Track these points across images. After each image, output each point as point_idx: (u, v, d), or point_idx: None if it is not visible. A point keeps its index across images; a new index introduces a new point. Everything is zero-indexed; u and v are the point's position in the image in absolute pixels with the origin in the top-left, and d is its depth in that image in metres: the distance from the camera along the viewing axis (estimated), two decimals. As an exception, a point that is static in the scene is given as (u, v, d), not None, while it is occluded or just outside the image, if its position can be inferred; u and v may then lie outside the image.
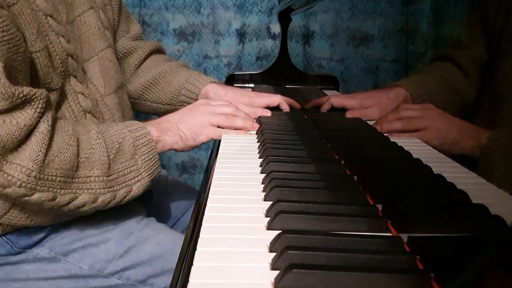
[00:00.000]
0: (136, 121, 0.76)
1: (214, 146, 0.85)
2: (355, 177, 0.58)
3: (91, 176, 0.66)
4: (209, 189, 0.55)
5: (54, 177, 0.62)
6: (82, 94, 0.77)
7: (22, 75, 0.63)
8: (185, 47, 1.78)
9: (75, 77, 0.76)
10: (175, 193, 1.04)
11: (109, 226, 0.78)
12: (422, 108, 0.84)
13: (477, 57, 0.94)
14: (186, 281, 0.36)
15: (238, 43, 1.80)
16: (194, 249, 0.41)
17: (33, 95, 0.61)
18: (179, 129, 0.78)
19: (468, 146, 0.75)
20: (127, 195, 0.71)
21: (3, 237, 0.74)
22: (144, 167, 0.72)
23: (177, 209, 1.01)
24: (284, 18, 1.45)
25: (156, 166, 0.74)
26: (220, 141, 0.78)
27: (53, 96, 0.70)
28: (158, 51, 1.07)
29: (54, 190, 0.63)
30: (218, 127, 0.81)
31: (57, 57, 0.71)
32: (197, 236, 0.43)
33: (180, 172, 1.89)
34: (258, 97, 0.96)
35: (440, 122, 0.80)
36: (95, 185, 0.67)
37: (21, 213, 0.67)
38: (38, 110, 0.61)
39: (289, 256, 0.37)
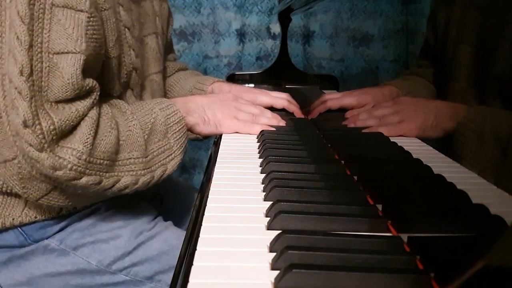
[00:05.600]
0: (165, 99, 0.78)
1: (214, 146, 0.85)
2: (355, 177, 0.58)
3: (131, 158, 0.68)
4: (209, 189, 0.55)
5: (101, 161, 0.64)
6: None
7: (92, 73, 0.66)
8: (185, 47, 1.78)
9: (132, 90, 0.79)
10: (179, 193, 1.05)
11: (120, 224, 0.79)
12: (393, 104, 0.85)
13: (433, 72, 1.02)
14: (186, 281, 0.36)
15: (238, 43, 1.80)
16: (194, 249, 0.41)
17: (94, 86, 0.64)
18: (205, 112, 0.80)
19: (449, 126, 0.75)
20: (163, 174, 0.72)
21: (19, 229, 0.74)
22: (176, 145, 0.73)
23: (180, 209, 1.02)
24: (284, 18, 1.45)
25: (186, 142, 0.76)
26: (220, 141, 0.78)
27: None
28: (183, 69, 1.11)
29: (101, 173, 0.64)
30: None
31: (125, 68, 0.75)
32: (197, 236, 0.43)
33: (180, 172, 1.89)
34: (262, 94, 0.96)
35: (414, 111, 0.81)
36: (135, 167, 0.68)
37: (60, 195, 0.68)
38: (94, 100, 0.64)
39: (289, 256, 0.37)
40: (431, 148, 0.75)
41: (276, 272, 0.36)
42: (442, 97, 0.93)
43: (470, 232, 0.45)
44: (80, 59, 0.60)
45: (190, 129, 0.79)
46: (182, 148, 0.74)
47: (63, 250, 0.76)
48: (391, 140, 0.76)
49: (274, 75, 1.45)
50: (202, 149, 1.89)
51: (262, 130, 0.80)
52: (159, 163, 0.71)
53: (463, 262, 0.36)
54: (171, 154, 0.73)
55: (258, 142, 0.77)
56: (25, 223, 0.74)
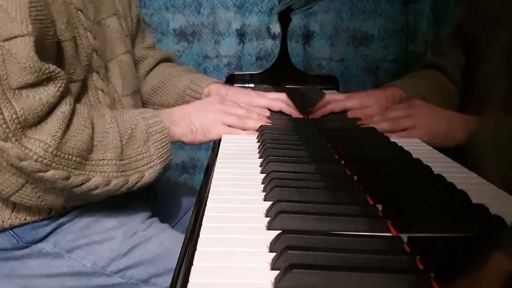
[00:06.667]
0: (150, 109, 0.77)
1: (214, 146, 0.85)
2: (355, 177, 0.58)
3: (104, 159, 0.68)
4: (209, 189, 0.55)
5: (70, 156, 0.64)
6: (102, 90, 0.79)
7: (47, 57, 0.65)
8: (185, 47, 1.78)
9: (98, 73, 0.78)
10: (177, 193, 1.04)
11: (114, 225, 0.79)
12: (408, 107, 0.84)
13: (458, 63, 0.96)
14: (186, 281, 0.36)
15: (238, 43, 1.80)
16: (194, 249, 0.41)
17: (57, 73, 0.63)
18: (191, 122, 0.80)
19: (460, 136, 0.74)
20: (139, 180, 0.72)
21: (10, 231, 0.74)
22: (157, 154, 0.73)
23: (178, 209, 1.02)
24: (284, 18, 1.45)
25: (169, 154, 0.75)
26: (220, 141, 0.78)
27: (75, 88, 0.73)
28: (168, 59, 1.09)
29: (69, 169, 0.64)
30: (229, 126, 0.82)
31: (83, 50, 0.74)
32: (197, 236, 0.43)
33: (180, 172, 1.89)
34: (259, 97, 0.96)
35: (428, 118, 0.81)
36: (107, 168, 0.68)
37: (33, 192, 0.68)
38: (60, 89, 0.63)
39: (289, 256, 0.37)
40: (431, 148, 0.75)
41: (276, 272, 0.36)
42: (470, 88, 0.91)
43: (470, 232, 0.45)
44: (30, 41, 0.60)
45: (179, 141, 0.79)
46: (164, 158, 0.74)
47: (57, 253, 0.76)
48: (391, 140, 0.76)
49: (274, 75, 1.44)
50: (202, 149, 1.89)
51: (262, 130, 0.80)
52: (136, 169, 0.71)
53: (463, 262, 0.36)
54: (150, 162, 0.72)
55: (258, 142, 0.77)
56: (15, 225, 0.74)
